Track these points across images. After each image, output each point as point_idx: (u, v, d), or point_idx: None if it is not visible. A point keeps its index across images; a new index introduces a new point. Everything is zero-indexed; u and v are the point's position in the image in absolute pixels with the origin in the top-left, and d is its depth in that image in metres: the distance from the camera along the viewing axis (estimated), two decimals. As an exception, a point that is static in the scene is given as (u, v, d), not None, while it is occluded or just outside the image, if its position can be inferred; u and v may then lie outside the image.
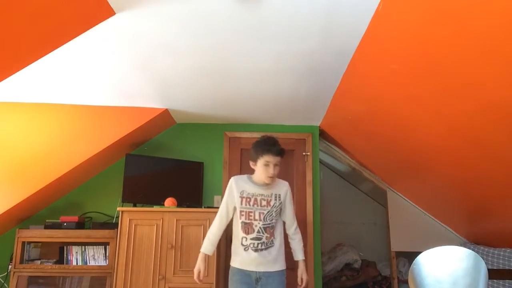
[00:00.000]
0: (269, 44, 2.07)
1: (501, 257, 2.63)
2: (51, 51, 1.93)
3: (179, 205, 3.07)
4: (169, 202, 3.04)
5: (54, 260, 3.13)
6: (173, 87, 2.70)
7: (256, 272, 2.15)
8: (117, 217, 3.16)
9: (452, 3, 1.34)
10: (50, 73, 2.41)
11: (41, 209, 3.39)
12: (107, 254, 3.13)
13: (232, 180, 2.28)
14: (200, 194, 3.40)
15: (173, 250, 2.87)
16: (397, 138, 2.68)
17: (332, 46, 2.07)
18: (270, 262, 2.16)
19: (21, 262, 3.06)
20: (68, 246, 3.16)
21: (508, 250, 2.59)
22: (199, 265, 2.21)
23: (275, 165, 2.18)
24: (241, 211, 2.19)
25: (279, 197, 2.24)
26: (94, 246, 3.15)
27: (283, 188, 2.28)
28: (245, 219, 2.18)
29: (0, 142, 2.84)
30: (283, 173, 3.50)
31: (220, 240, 2.32)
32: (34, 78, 2.48)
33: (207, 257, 2.28)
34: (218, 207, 2.34)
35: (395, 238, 3.70)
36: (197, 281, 2.18)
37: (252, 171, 2.28)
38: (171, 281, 2.82)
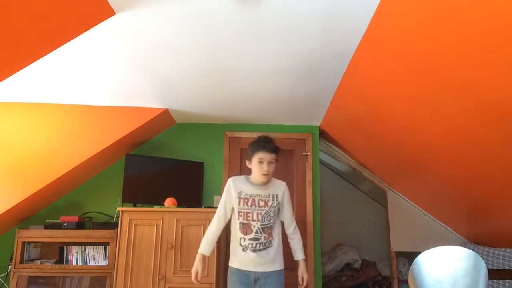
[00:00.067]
0: (269, 44, 2.07)
1: (501, 257, 2.63)
2: (51, 51, 1.93)
3: (179, 205, 3.07)
4: (169, 202, 3.04)
5: (54, 260, 3.13)
6: (173, 87, 2.70)
7: (254, 272, 2.15)
8: (117, 217, 3.16)
9: (452, 3, 1.34)
10: (50, 73, 2.41)
11: (41, 209, 3.39)
12: (107, 254, 3.13)
13: (230, 181, 2.29)
14: (200, 194, 3.40)
15: (173, 250, 2.87)
16: (397, 138, 2.68)
17: (332, 46, 2.07)
18: (269, 262, 2.16)
19: (21, 262, 3.06)
20: (68, 246, 3.16)
21: (508, 250, 2.59)
22: (197, 265, 2.21)
23: (269, 162, 2.18)
24: (239, 212, 2.20)
25: (277, 197, 2.24)
26: (94, 246, 3.15)
27: (280, 188, 2.28)
28: (243, 219, 2.18)
29: (0, 142, 2.84)
30: (283, 173, 3.53)
31: (220, 240, 2.32)
32: (34, 78, 2.48)
33: (205, 258, 2.28)
34: (217, 207, 2.34)
35: (395, 238, 3.70)
36: (195, 281, 2.18)
37: (250, 172, 2.28)
38: (171, 281, 2.82)
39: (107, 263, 3.10)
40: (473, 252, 1.60)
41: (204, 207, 3.27)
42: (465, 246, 3.02)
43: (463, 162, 2.26)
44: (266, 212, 2.19)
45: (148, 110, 3.06)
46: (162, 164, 3.36)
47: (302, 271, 2.26)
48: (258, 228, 2.16)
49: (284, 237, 2.31)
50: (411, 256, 3.71)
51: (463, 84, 1.67)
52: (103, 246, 3.16)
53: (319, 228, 3.48)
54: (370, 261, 4.16)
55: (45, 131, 2.93)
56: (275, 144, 2.23)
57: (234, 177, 2.32)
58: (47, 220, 3.18)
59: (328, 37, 1.98)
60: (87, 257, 3.14)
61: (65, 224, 3.13)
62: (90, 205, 3.42)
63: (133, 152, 3.49)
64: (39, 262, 3.10)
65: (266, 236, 2.17)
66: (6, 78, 1.98)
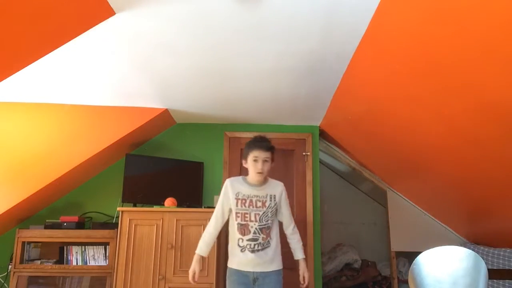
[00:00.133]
0: (269, 44, 2.07)
1: (501, 257, 2.63)
2: (51, 51, 1.93)
3: (179, 205, 3.07)
4: (169, 202, 3.04)
5: (54, 260, 3.13)
6: (173, 87, 2.70)
7: (253, 272, 2.16)
8: (117, 217, 3.16)
9: (452, 3, 1.34)
10: (50, 73, 2.41)
11: (41, 209, 3.39)
12: (107, 254, 3.13)
13: (228, 182, 2.29)
14: (200, 194, 3.40)
15: (173, 250, 2.87)
16: (397, 138, 2.68)
17: (332, 46, 2.07)
18: (267, 262, 2.17)
19: (21, 262, 3.06)
20: (68, 246, 3.16)
21: (508, 250, 2.59)
22: (194, 266, 2.21)
23: (264, 160, 2.19)
24: (236, 213, 2.20)
25: (274, 197, 2.24)
26: (94, 246, 3.15)
27: (277, 188, 2.28)
28: (241, 220, 2.19)
29: (0, 142, 2.84)
30: (283, 173, 3.53)
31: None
32: (34, 78, 2.48)
33: (202, 259, 2.28)
34: (215, 208, 2.35)
35: (395, 238, 3.70)
36: (192, 282, 2.19)
37: (247, 172, 2.29)
38: (171, 281, 2.82)
39: (107, 263, 3.10)
40: (473, 252, 1.60)
41: (204, 207, 3.27)
42: (465, 246, 3.02)
43: (463, 162, 2.26)
44: (263, 213, 2.19)
45: (148, 110, 3.06)
46: (162, 164, 3.36)
47: (303, 270, 2.27)
48: (256, 228, 2.17)
49: (283, 237, 2.32)
50: (411, 256, 3.71)
51: (463, 84, 1.67)
52: (103, 246, 3.16)
53: (319, 228, 3.48)
54: (370, 261, 4.16)
55: (45, 131, 2.93)
56: (270, 143, 2.24)
57: (231, 178, 2.33)
58: (47, 220, 3.18)
59: (328, 37, 1.98)
60: (87, 257, 3.14)
61: (65, 224, 3.13)
62: (90, 205, 3.42)
63: (133, 152, 3.49)
64: (39, 262, 3.10)
65: (264, 236, 2.17)
66: (6, 78, 1.98)
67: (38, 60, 1.99)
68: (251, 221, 2.18)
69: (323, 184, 3.75)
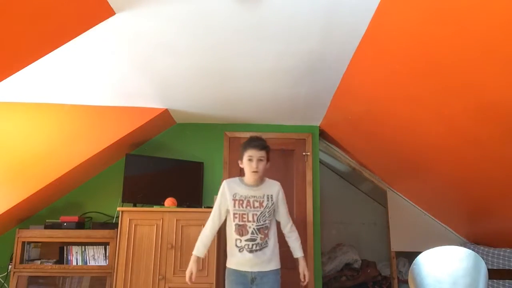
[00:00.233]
0: (269, 44, 2.07)
1: (501, 257, 2.63)
2: (51, 51, 1.93)
3: (179, 205, 3.07)
4: (169, 202, 3.04)
5: (54, 260, 3.13)
6: (173, 87, 2.70)
7: (251, 272, 2.16)
8: (117, 217, 3.16)
9: (452, 3, 1.34)
10: (50, 73, 2.41)
11: (41, 209, 3.39)
12: (107, 254, 3.13)
13: (225, 183, 2.30)
14: (200, 194, 3.40)
15: (173, 250, 2.87)
16: (397, 138, 2.68)
17: (332, 46, 2.07)
18: (265, 262, 2.18)
19: (21, 262, 3.06)
20: (68, 246, 3.16)
21: (508, 250, 2.59)
22: (191, 266, 2.22)
23: (258, 160, 2.20)
24: (234, 214, 2.21)
25: (271, 197, 2.25)
26: (94, 246, 3.15)
27: (274, 188, 2.29)
28: (239, 221, 2.19)
29: (0, 142, 2.84)
30: (283, 173, 3.54)
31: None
32: (34, 78, 2.48)
33: (200, 259, 2.29)
34: (212, 210, 2.35)
35: (395, 238, 3.70)
36: (189, 282, 2.20)
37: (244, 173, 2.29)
38: (171, 281, 2.82)
39: (107, 263, 3.10)
40: (473, 252, 1.60)
41: (204, 207, 3.27)
42: (465, 246, 3.02)
43: (463, 162, 2.26)
44: (261, 213, 2.20)
45: (148, 110, 3.06)
46: (162, 164, 3.36)
47: (303, 268, 2.27)
48: (253, 229, 2.17)
49: (281, 237, 2.32)
50: (411, 256, 3.71)
51: (463, 84, 1.67)
52: (103, 246, 3.16)
53: (319, 228, 3.48)
54: (370, 261, 4.16)
55: (45, 131, 2.93)
56: (265, 142, 2.26)
57: (228, 180, 2.33)
58: (47, 220, 3.18)
59: (328, 37, 1.98)
60: (87, 257, 3.14)
61: (65, 224, 3.13)
62: (90, 205, 3.42)
63: (133, 152, 3.49)
64: (39, 262, 3.10)
65: (262, 236, 2.18)
66: (6, 78, 1.98)
67: (38, 60, 1.99)
68: (248, 221, 2.18)
69: (323, 184, 3.75)
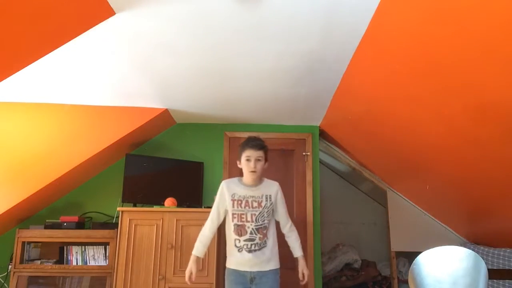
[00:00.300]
0: (269, 44, 2.07)
1: (501, 257, 2.63)
2: (51, 51, 1.93)
3: (179, 205, 3.07)
4: (169, 202, 3.04)
5: (54, 260, 3.13)
6: (173, 87, 2.70)
7: (250, 272, 2.17)
8: (117, 217, 3.16)
9: (452, 3, 1.34)
10: (50, 73, 2.41)
11: (41, 209, 3.39)
12: (107, 254, 3.13)
13: (223, 184, 2.31)
14: (200, 194, 3.40)
15: (173, 250, 2.87)
16: (397, 138, 2.68)
17: (332, 46, 2.07)
18: (264, 262, 2.18)
19: (21, 262, 3.06)
20: (68, 246, 3.16)
21: (508, 250, 2.59)
22: (191, 266, 2.23)
23: (256, 160, 2.20)
24: (233, 214, 2.21)
25: (270, 197, 2.25)
26: (94, 246, 3.15)
27: (273, 188, 2.29)
28: (238, 221, 2.20)
29: (0, 142, 2.84)
30: (283, 173, 3.54)
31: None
32: (34, 78, 2.47)
33: (199, 259, 2.29)
34: (211, 210, 2.35)
35: (395, 238, 3.70)
36: (188, 282, 2.21)
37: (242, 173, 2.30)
38: (171, 281, 2.82)
39: (107, 263, 3.10)
40: (473, 252, 1.60)
41: (204, 207, 3.27)
42: (465, 246, 3.02)
43: (463, 162, 2.26)
44: (260, 213, 2.20)
45: (148, 110, 3.06)
46: (162, 164, 3.36)
47: (302, 267, 2.28)
48: (252, 229, 2.18)
49: (281, 237, 2.32)
50: (411, 256, 3.71)
51: (463, 84, 1.67)
52: (103, 246, 3.16)
53: (319, 228, 3.48)
54: (370, 261, 4.16)
55: (45, 131, 2.93)
56: (263, 142, 2.26)
57: (227, 180, 2.35)
58: (47, 220, 3.18)
59: (328, 37, 1.98)
60: (87, 257, 3.14)
61: (65, 224, 3.13)
62: (90, 205, 3.42)
63: (133, 152, 3.49)
64: (39, 262, 3.10)
65: (261, 236, 2.18)
66: (6, 78, 1.98)
67: (38, 60, 1.99)
68: (247, 221, 2.19)
69: (323, 184, 3.75)
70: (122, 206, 3.04)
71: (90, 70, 2.39)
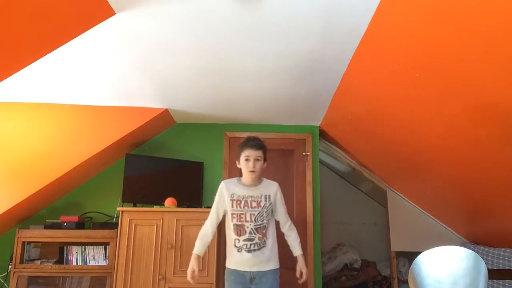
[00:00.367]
0: (269, 44, 2.07)
1: (501, 257, 2.63)
2: (51, 51, 1.93)
3: (179, 205, 3.07)
4: (169, 202, 3.04)
5: (54, 260, 3.13)
6: (173, 87, 2.70)
7: (250, 272, 2.17)
8: (117, 217, 3.16)
9: (452, 3, 1.34)
10: (50, 73, 2.41)
11: (41, 209, 3.39)
12: (107, 254, 3.13)
13: (223, 184, 2.31)
14: (200, 194, 3.40)
15: (173, 250, 2.87)
16: (397, 138, 2.68)
17: (332, 46, 2.07)
18: (264, 262, 2.18)
19: (21, 262, 3.06)
20: (68, 246, 3.16)
21: (508, 250, 2.59)
22: (193, 265, 2.23)
23: (255, 159, 2.21)
24: (232, 214, 2.22)
25: (269, 197, 2.26)
26: (94, 246, 3.15)
27: (272, 188, 2.30)
28: (237, 221, 2.20)
29: (0, 142, 2.84)
30: (283, 173, 3.54)
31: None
32: (34, 78, 2.47)
33: (200, 258, 2.29)
34: (211, 210, 2.35)
35: (395, 238, 3.70)
36: (191, 281, 2.20)
37: (241, 173, 2.30)
38: (171, 281, 2.82)
39: (107, 263, 3.10)
40: (473, 252, 1.60)
41: (204, 207, 3.27)
42: (465, 246, 3.02)
43: (463, 162, 2.26)
44: (259, 213, 2.21)
45: (148, 110, 3.06)
46: (162, 164, 3.36)
47: (300, 266, 2.28)
48: (251, 229, 2.18)
49: (281, 237, 2.32)
50: (411, 256, 3.71)
51: (463, 84, 1.67)
52: (103, 246, 3.16)
53: (319, 228, 3.48)
54: (370, 261, 4.16)
55: (45, 131, 2.93)
56: (262, 142, 2.27)
57: (226, 180, 2.35)
58: (47, 220, 3.18)
59: (328, 37, 1.98)
60: (87, 257, 3.14)
61: (65, 224, 3.13)
62: (90, 205, 3.42)
63: (133, 152, 3.49)
64: (39, 262, 3.10)
65: (260, 236, 2.19)
66: (6, 78, 1.98)
67: (38, 60, 1.99)
68: (246, 221, 2.19)
69: (323, 184, 3.75)
70: (122, 206, 3.04)
71: (90, 70, 2.39)
